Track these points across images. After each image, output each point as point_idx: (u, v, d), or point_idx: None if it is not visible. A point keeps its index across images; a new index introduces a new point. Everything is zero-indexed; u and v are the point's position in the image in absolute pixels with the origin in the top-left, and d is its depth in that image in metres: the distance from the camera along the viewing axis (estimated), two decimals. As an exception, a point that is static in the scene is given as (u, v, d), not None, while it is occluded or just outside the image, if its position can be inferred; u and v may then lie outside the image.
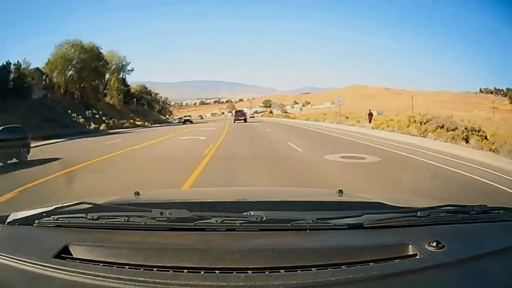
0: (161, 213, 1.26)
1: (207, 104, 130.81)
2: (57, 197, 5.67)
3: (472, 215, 1.38)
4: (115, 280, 0.98)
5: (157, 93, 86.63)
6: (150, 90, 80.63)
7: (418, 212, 1.32)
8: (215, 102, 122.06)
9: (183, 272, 1.01)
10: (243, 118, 41.71)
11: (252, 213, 1.28)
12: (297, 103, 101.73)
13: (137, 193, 1.85)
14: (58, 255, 1.12)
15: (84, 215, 1.32)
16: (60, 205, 1.43)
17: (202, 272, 1.01)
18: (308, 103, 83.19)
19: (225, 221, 1.25)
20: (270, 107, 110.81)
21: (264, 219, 1.23)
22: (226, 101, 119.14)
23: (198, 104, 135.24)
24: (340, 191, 1.83)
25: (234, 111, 59.63)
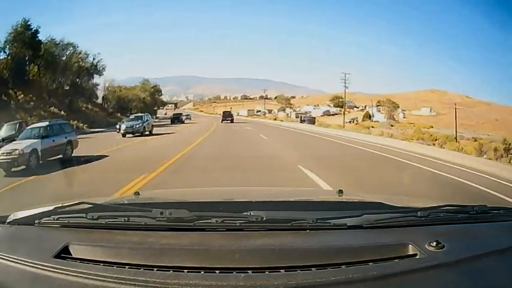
0: (161, 213, 1.26)
1: (251, 99, 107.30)
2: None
3: (472, 215, 1.38)
4: (115, 280, 0.98)
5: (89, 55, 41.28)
6: (69, 46, 38.07)
7: (418, 212, 1.32)
8: (261, 97, 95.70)
9: (183, 272, 1.01)
10: (230, 119, 42.18)
11: (252, 213, 1.28)
12: (380, 105, 68.89)
13: (137, 193, 1.85)
14: (58, 255, 1.12)
15: (84, 215, 1.32)
16: (60, 205, 1.43)
17: (202, 272, 1.01)
18: (397, 106, 60.27)
19: (225, 221, 1.25)
20: (343, 106, 70.72)
21: (264, 219, 1.23)
22: (275, 98, 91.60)
23: (239, 98, 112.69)
24: (340, 191, 1.83)
25: (222, 112, 48.29)
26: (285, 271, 1.01)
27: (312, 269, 1.02)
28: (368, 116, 61.61)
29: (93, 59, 43.16)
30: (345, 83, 53.11)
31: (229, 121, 40.95)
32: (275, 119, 56.11)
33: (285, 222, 1.26)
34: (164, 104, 77.90)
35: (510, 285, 1.04)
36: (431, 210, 1.35)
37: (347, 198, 1.92)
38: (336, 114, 65.71)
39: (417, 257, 1.09)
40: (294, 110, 77.67)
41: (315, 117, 41.72)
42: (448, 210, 1.40)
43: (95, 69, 43.48)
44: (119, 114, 46.09)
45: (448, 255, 1.08)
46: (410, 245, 1.13)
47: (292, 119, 58.31)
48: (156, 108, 62.24)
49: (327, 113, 66.03)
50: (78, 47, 40.06)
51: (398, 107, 58.34)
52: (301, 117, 38.60)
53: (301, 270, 1.02)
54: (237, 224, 1.25)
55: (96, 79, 46.07)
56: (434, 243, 1.12)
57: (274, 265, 1.04)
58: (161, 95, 69.68)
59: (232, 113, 48.07)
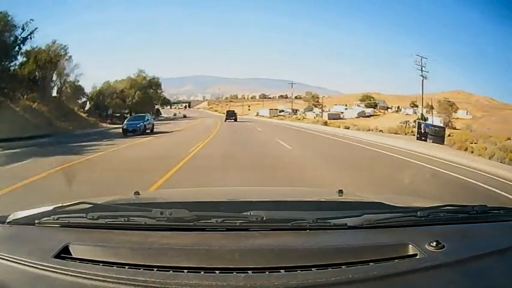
0: (161, 213, 1.26)
1: (270, 98, 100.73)
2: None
3: (472, 215, 1.38)
4: (115, 280, 0.98)
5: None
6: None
7: (418, 212, 1.32)
8: (280, 97, 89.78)
9: (183, 271, 1.01)
10: (233, 118, 41.31)
11: (252, 213, 1.28)
12: (415, 105, 54.62)
13: (137, 193, 1.85)
14: (58, 255, 1.12)
15: (84, 215, 1.32)
16: (60, 205, 1.43)
17: (202, 272, 1.01)
18: (456, 109, 56.24)
19: (225, 221, 1.25)
20: (375, 107, 60.96)
21: (264, 219, 1.23)
22: (295, 97, 78.76)
23: (257, 97, 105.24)
24: (340, 191, 1.83)
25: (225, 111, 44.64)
26: (285, 271, 1.01)
27: (312, 269, 1.02)
28: (423, 118, 45.44)
29: (22, 28, 25.37)
30: (421, 70, 34.42)
31: (232, 120, 40.29)
32: (326, 124, 35.27)
33: (285, 222, 1.26)
34: (167, 102, 62.83)
35: (510, 285, 1.04)
36: (431, 210, 1.35)
37: (347, 198, 1.91)
38: (372, 115, 54.06)
39: (417, 257, 1.09)
40: (323, 110, 62.36)
41: (444, 128, 21.52)
42: (448, 210, 1.40)
43: (15, 44, 25.42)
44: (86, 116, 32.29)
45: (448, 255, 1.08)
46: (410, 245, 1.13)
47: (330, 122, 38.54)
48: (155, 107, 49.04)
49: (362, 114, 52.40)
50: (9, 16, 24.35)
51: (457, 109, 45.45)
52: (418, 125, 19.61)
53: (301, 270, 1.02)
54: (237, 224, 1.25)
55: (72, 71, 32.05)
56: (434, 243, 1.12)
57: (275, 265, 1.04)
58: (161, 90, 52.10)
59: (235, 111, 45.66)
